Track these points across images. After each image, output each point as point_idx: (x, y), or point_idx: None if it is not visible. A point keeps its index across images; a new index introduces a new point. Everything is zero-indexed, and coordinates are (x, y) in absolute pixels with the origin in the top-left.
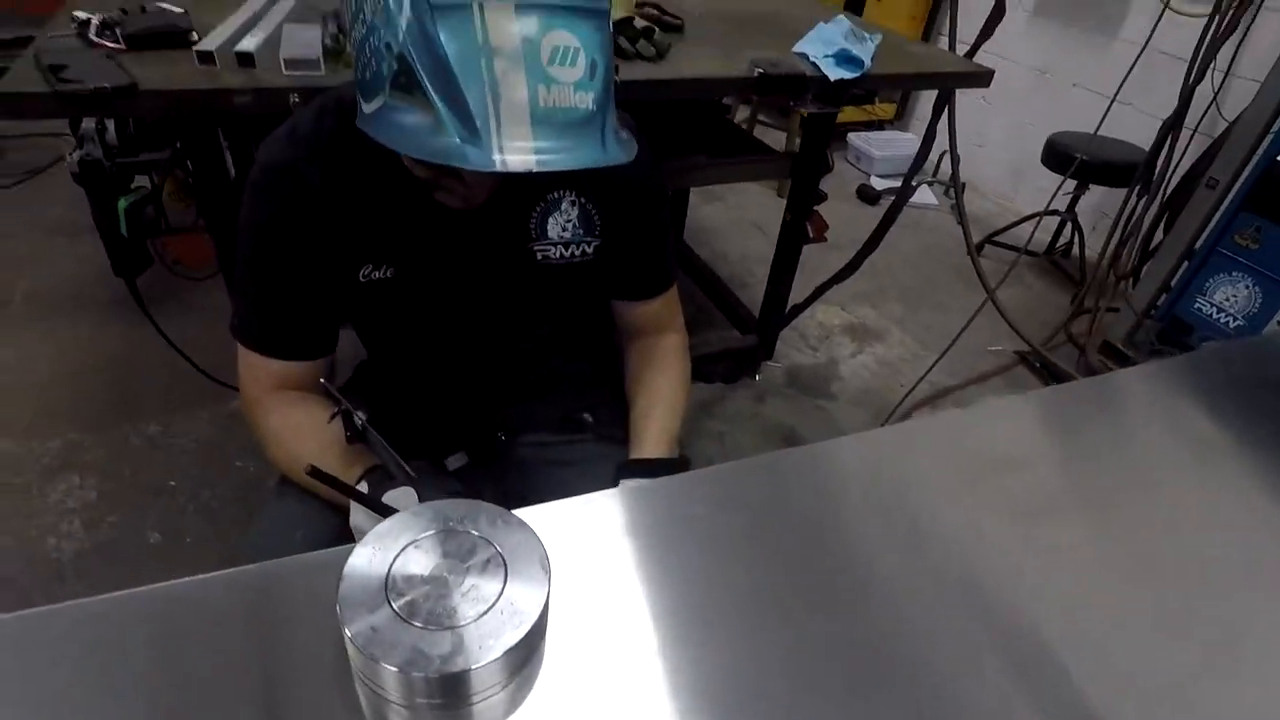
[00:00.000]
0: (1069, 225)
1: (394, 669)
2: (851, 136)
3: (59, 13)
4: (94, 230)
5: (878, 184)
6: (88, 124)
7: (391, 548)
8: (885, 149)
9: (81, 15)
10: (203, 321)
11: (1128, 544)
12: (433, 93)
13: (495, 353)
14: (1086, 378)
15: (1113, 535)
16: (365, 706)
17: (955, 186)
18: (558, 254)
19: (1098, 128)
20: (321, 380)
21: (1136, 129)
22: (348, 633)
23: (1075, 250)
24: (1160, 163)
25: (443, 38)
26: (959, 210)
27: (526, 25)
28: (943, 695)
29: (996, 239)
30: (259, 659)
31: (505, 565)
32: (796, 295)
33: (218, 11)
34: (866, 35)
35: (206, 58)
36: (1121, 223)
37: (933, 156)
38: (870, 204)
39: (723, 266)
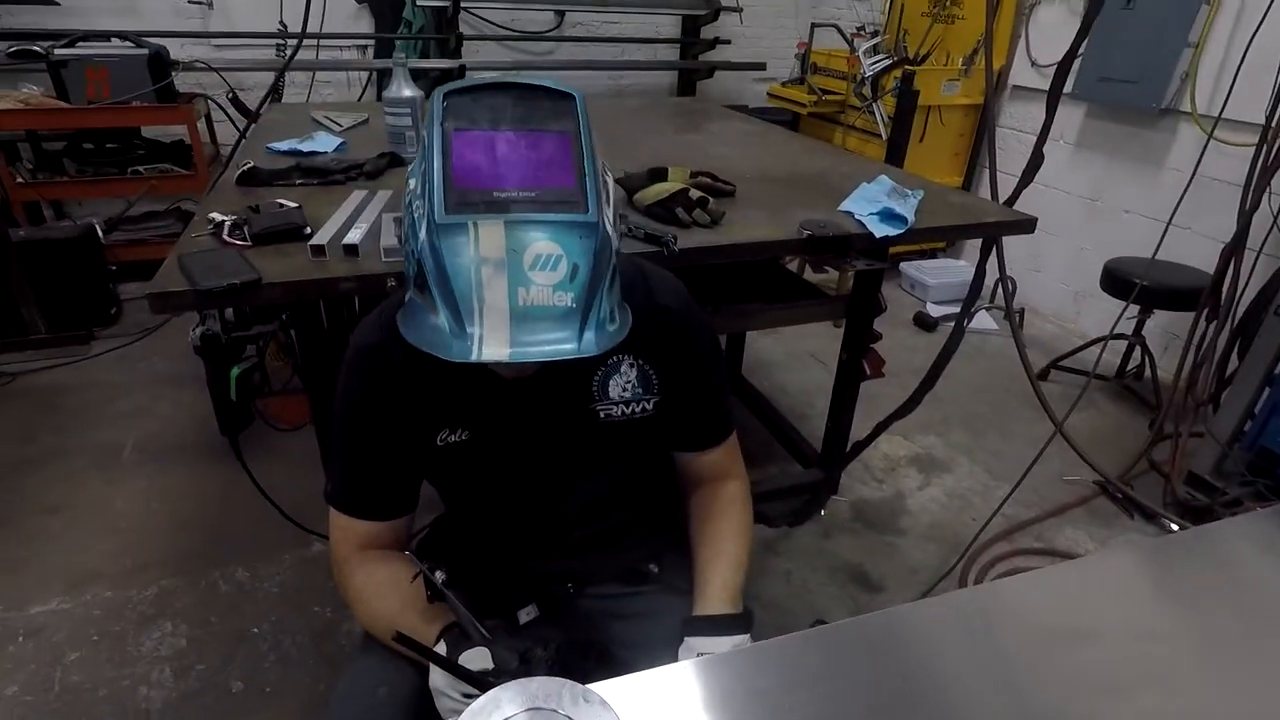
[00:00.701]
0: (1138, 349)
1: None
2: (905, 266)
3: (197, 215)
4: (196, 380)
5: (934, 310)
6: None
7: None
8: (939, 276)
9: (217, 217)
10: (289, 469)
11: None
12: (436, 294)
13: (563, 506)
14: (1184, 531)
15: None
16: None
17: (1012, 322)
18: (619, 412)
19: (1154, 253)
20: (407, 552)
21: (1196, 252)
22: None
23: (1147, 374)
24: (1226, 287)
25: (443, 249)
26: (1017, 343)
27: (513, 238)
28: None
29: (1062, 364)
30: None
31: None
32: (859, 426)
33: (327, 204)
34: (909, 192)
35: (319, 251)
36: (1193, 348)
37: (988, 283)
38: (928, 331)
39: (782, 399)
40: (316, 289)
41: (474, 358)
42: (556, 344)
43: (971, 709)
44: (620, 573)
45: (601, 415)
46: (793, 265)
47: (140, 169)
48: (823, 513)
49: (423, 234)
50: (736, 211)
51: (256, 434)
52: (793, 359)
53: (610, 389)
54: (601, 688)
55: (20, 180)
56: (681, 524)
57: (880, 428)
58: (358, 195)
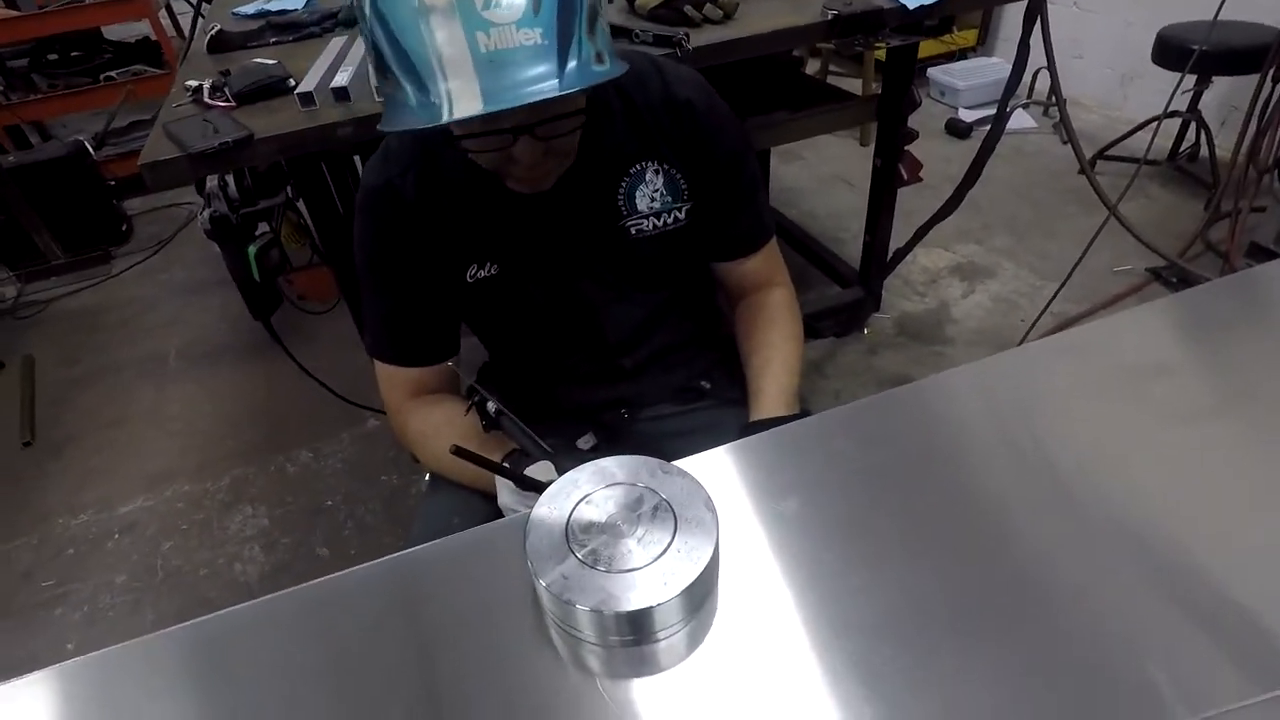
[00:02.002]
0: (1193, 126)
1: (587, 610)
2: (932, 71)
3: (171, 88)
4: (221, 284)
5: (966, 116)
6: (212, 183)
7: (565, 505)
8: (970, 78)
9: (193, 83)
10: (332, 351)
11: None
12: (394, 67)
13: (605, 334)
14: (1224, 276)
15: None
16: (561, 649)
17: (1059, 100)
18: (650, 225)
19: (1217, 13)
20: (451, 364)
21: (1260, 7)
22: (541, 583)
23: (1204, 153)
24: None
25: (385, 11)
26: (1064, 125)
27: None
28: (1095, 624)
29: (1109, 153)
30: (454, 623)
31: (674, 512)
32: (897, 241)
33: (305, 59)
34: None
35: (308, 99)
36: (1257, 112)
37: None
38: (962, 138)
39: (813, 225)
40: (313, 138)
41: (445, 119)
42: (534, 84)
43: (1021, 458)
44: (672, 393)
45: (632, 231)
46: (814, 74)
47: (112, 74)
48: (865, 330)
49: (368, 7)
50: (753, 5)
51: (292, 322)
52: (821, 184)
53: (638, 200)
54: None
55: None
56: (728, 339)
57: (921, 232)
58: (337, 43)
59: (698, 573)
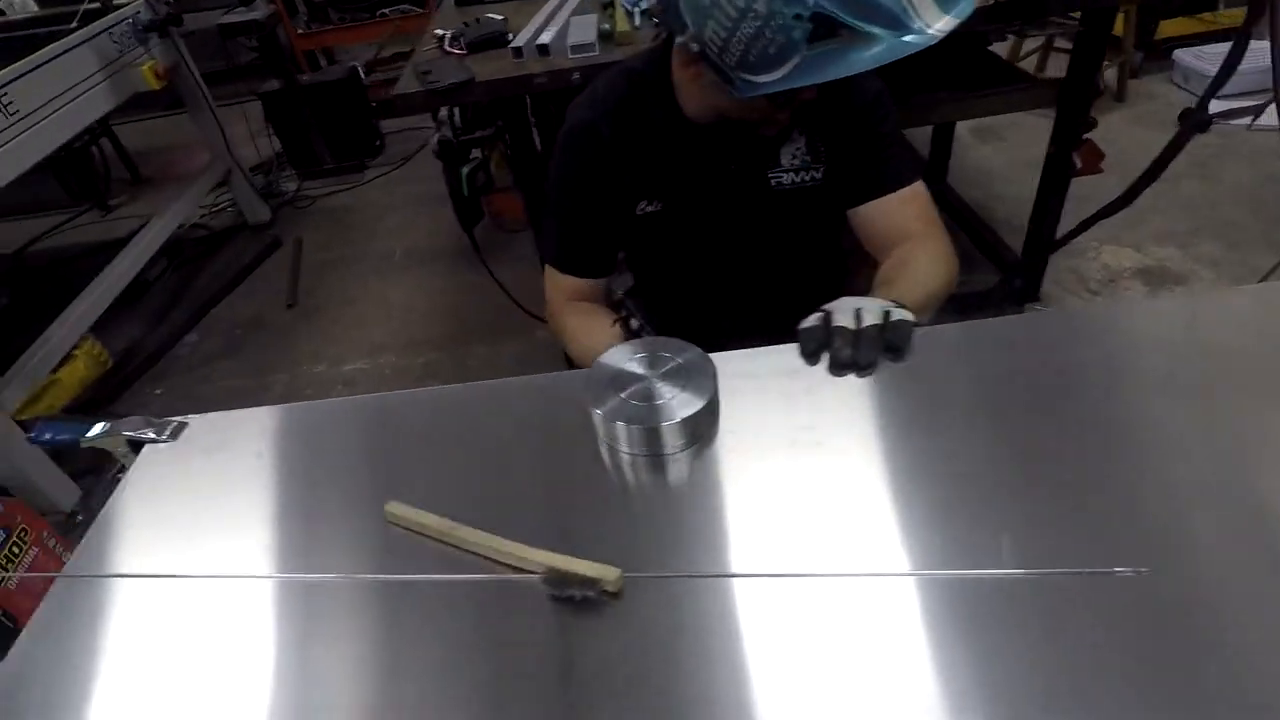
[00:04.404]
0: None
1: (623, 424)
2: (1179, 53)
3: (426, 31)
4: (444, 201)
5: (1212, 107)
6: (443, 113)
7: (619, 361)
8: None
9: (439, 32)
10: (517, 268)
11: None
12: (857, 21)
13: (741, 272)
14: None
15: None
16: (606, 459)
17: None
18: (789, 180)
19: None
20: (608, 286)
21: None
22: (597, 412)
23: None
24: None
25: None
26: None
27: None
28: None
29: None
30: (539, 430)
31: (687, 374)
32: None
33: (528, 15)
34: None
35: (517, 52)
36: None
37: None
38: (1200, 131)
39: (998, 208)
40: (516, 85)
41: (934, 34)
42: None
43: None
44: (792, 333)
45: (773, 183)
46: (1028, 51)
47: (385, 11)
48: None
49: None
50: None
51: (490, 236)
52: (1013, 168)
53: (782, 156)
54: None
55: (300, 31)
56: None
57: (1086, 223)
58: (552, 2)
59: (697, 409)
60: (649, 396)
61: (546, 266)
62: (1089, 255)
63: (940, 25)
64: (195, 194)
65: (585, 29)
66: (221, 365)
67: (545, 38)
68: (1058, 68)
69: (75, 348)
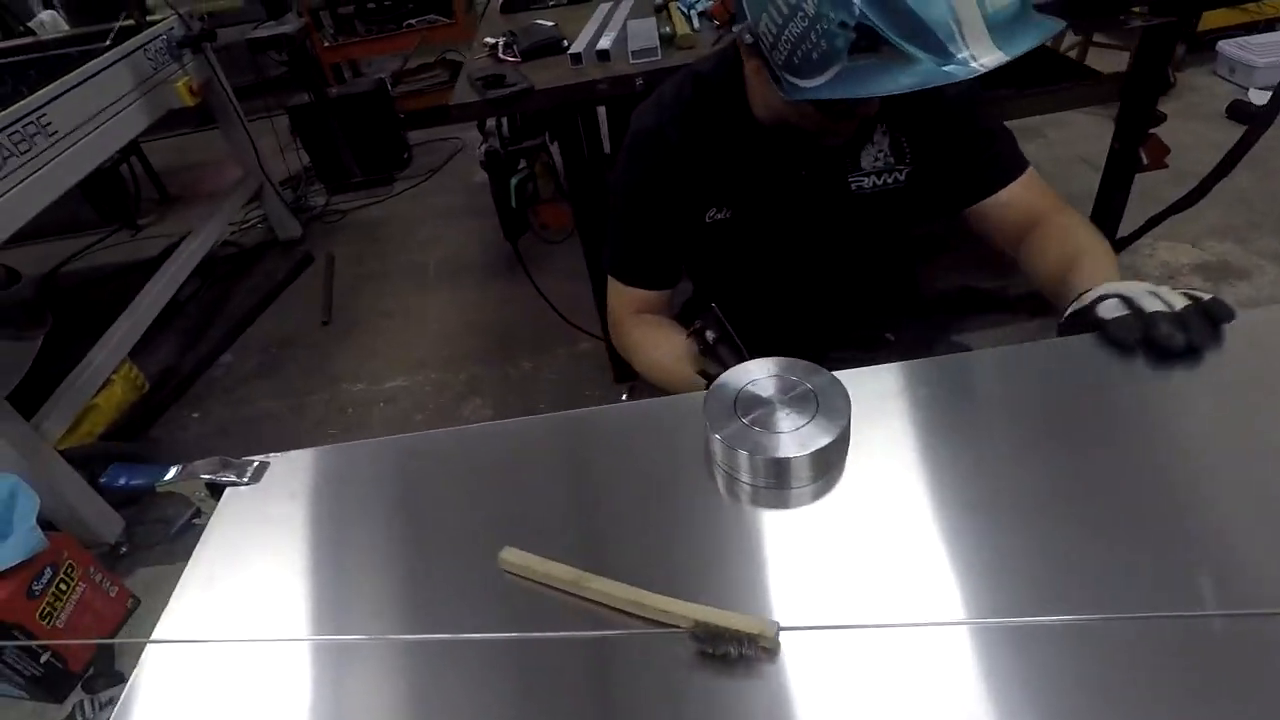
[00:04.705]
0: None
1: (745, 453)
2: (1223, 45)
3: (474, 40)
4: (471, 212)
5: (1258, 98)
6: (490, 123)
7: (737, 384)
8: (1271, 54)
9: (490, 40)
10: (559, 279)
11: None
12: (900, 40)
13: (813, 279)
14: None
15: None
16: (721, 487)
17: None
18: (870, 183)
19: None
20: (713, 305)
21: None
22: (716, 436)
23: None
24: None
25: None
26: None
27: None
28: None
29: None
30: (648, 462)
31: (817, 398)
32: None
33: (578, 21)
34: None
35: (576, 59)
36: None
37: None
38: (1247, 124)
39: None
40: (578, 92)
41: (979, 69)
42: (1028, 34)
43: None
44: (860, 339)
45: (853, 187)
46: (1071, 46)
47: (412, 21)
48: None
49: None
50: None
51: (534, 248)
52: (1060, 165)
53: (863, 159)
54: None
55: (327, 44)
56: (921, 300)
57: (1153, 220)
58: (604, 7)
59: (828, 441)
60: (775, 424)
61: (610, 278)
62: (1144, 252)
63: (987, 60)
64: (228, 210)
65: (646, 33)
66: (258, 386)
67: (604, 43)
68: (1097, 61)
69: (114, 372)
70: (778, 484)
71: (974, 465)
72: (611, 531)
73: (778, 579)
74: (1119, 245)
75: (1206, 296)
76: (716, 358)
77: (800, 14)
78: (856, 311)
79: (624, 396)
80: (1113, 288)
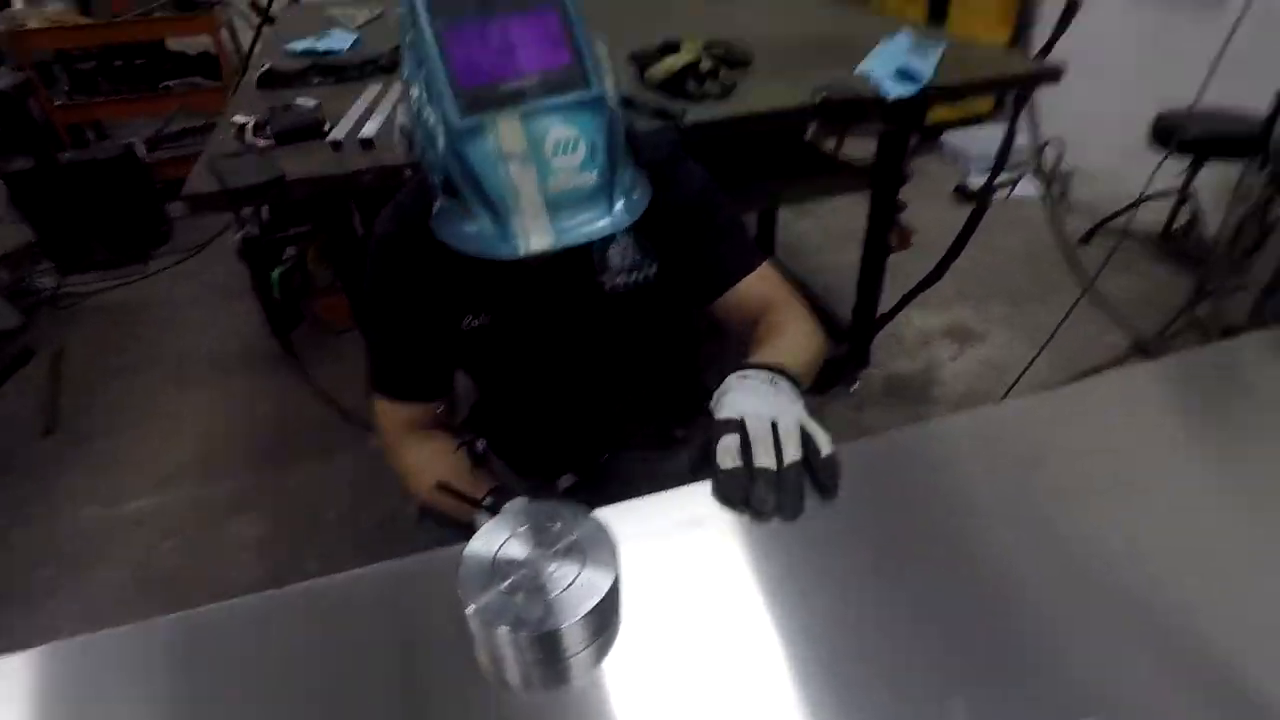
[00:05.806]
0: (1186, 206)
1: (506, 630)
2: (947, 136)
3: (222, 118)
4: (249, 294)
5: (976, 182)
6: (247, 209)
7: (495, 541)
8: (982, 145)
9: (239, 120)
10: (344, 371)
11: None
12: (470, 198)
13: (587, 381)
14: (1185, 351)
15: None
16: (487, 668)
17: (1046, 179)
18: (622, 281)
19: (1195, 100)
20: (442, 405)
21: (1261, 95)
22: (470, 608)
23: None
24: (1278, 129)
25: (468, 154)
26: (1051, 201)
27: (531, 130)
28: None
29: (1109, 225)
30: (397, 637)
31: (583, 550)
32: (892, 301)
33: (343, 101)
34: (931, 45)
35: (337, 146)
36: (1242, 198)
37: (1023, 145)
38: (970, 203)
39: (819, 279)
40: (337, 183)
41: (523, 252)
42: (592, 223)
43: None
44: (651, 439)
45: (606, 286)
46: (830, 138)
47: (170, 84)
48: (853, 388)
49: (442, 143)
50: (754, 81)
51: (311, 338)
52: (832, 240)
53: (611, 258)
54: (618, 508)
55: (59, 103)
56: (708, 395)
57: (906, 299)
58: (373, 89)
59: (595, 603)
60: (539, 586)
61: (376, 398)
62: (903, 321)
63: (534, 243)
64: None
65: None
66: None
67: (369, 130)
68: (854, 147)
69: None
70: (545, 658)
71: (752, 602)
72: None
73: None
74: (881, 322)
75: (826, 450)
76: (489, 469)
77: (422, 140)
78: (640, 411)
79: (416, 508)
80: (746, 410)
